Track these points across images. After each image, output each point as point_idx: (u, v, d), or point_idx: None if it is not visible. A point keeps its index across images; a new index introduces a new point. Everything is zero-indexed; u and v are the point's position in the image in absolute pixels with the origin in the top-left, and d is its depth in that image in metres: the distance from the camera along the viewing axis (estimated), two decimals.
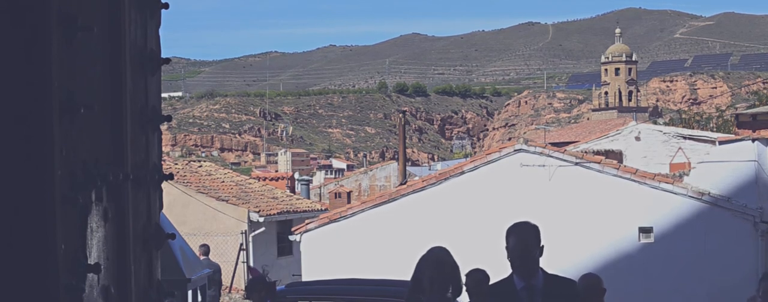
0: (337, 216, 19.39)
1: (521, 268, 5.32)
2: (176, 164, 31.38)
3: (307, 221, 20.60)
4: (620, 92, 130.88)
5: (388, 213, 18.29)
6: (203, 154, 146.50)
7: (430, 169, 47.47)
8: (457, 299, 5.51)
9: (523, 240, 5.33)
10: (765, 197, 16.77)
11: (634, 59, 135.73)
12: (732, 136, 19.63)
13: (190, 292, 10.45)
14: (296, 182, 39.48)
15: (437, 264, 5.32)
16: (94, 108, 1.96)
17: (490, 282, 5.95)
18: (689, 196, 16.55)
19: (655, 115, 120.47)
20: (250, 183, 31.71)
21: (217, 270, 16.44)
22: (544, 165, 17.02)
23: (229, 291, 23.20)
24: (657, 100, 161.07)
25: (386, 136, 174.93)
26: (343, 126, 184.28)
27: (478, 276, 7.20)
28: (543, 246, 5.38)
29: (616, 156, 23.28)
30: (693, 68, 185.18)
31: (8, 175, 1.77)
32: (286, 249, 27.34)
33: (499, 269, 5.96)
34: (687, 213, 16.72)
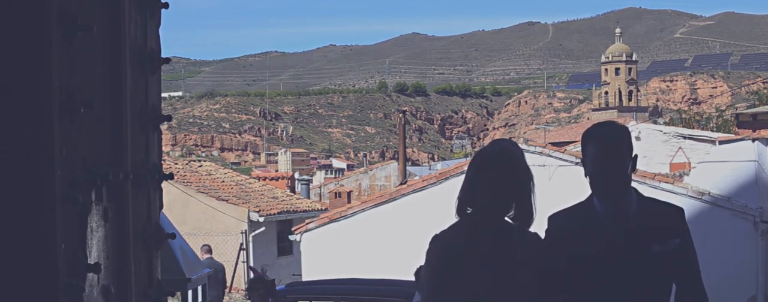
0: (337, 216, 19.39)
1: (606, 189, 3.62)
2: (176, 164, 31.37)
3: (307, 221, 20.61)
4: (620, 92, 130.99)
5: (388, 213, 18.29)
6: (203, 154, 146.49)
7: (430, 169, 47.47)
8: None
9: (609, 147, 3.61)
10: (765, 197, 16.76)
11: (634, 59, 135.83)
12: (732, 136, 19.63)
13: (190, 292, 10.45)
14: (296, 182, 39.48)
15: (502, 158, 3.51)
16: (94, 107, 1.96)
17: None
18: (689, 196, 16.55)
19: (655, 114, 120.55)
20: (250, 183, 31.70)
21: (221, 270, 16.45)
22: (544, 165, 17.02)
23: (229, 291, 23.19)
24: (657, 100, 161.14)
25: (386, 135, 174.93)
26: (343, 126, 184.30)
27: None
28: (636, 156, 3.71)
29: None
30: (693, 68, 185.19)
31: (8, 175, 1.77)
32: (286, 248, 27.33)
33: None
34: (687, 213, 16.67)
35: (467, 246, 3.42)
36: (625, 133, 3.71)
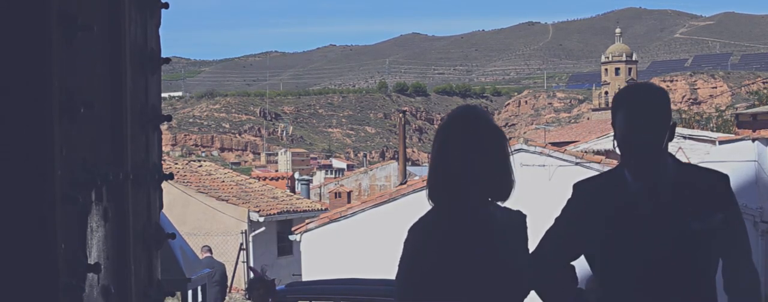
0: (337, 216, 19.40)
1: (638, 162, 3.11)
2: (176, 164, 31.38)
3: (307, 221, 20.62)
4: None
5: (388, 213, 18.29)
6: (203, 154, 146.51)
7: None
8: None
9: (642, 112, 3.06)
10: (765, 197, 16.76)
11: (634, 59, 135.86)
12: (732, 136, 19.63)
13: (190, 292, 10.44)
14: (296, 182, 39.47)
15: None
16: (94, 107, 1.96)
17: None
18: None
19: None
20: (250, 183, 31.70)
21: (220, 270, 16.43)
22: (544, 165, 17.03)
23: (229, 291, 23.19)
24: None
25: (386, 135, 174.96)
26: (343, 126, 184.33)
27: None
28: (675, 124, 3.16)
29: (616, 156, 23.27)
30: (693, 68, 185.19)
31: (8, 175, 1.77)
32: (286, 248, 27.34)
33: None
34: None
35: (446, 230, 3.05)
36: (662, 96, 3.15)
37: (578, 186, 3.27)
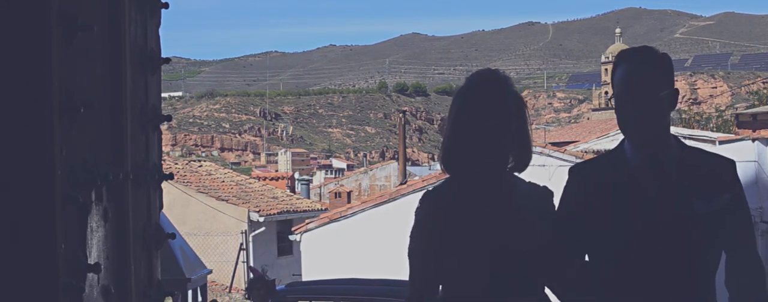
0: (337, 216, 19.40)
1: (638, 123, 2.89)
2: (176, 164, 31.39)
3: (307, 221, 20.62)
4: None
5: (388, 213, 18.29)
6: (203, 154, 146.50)
7: (430, 169, 47.47)
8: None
9: (644, 70, 2.90)
10: (765, 197, 16.76)
11: None
12: (732, 136, 19.64)
13: (190, 292, 10.46)
14: (296, 182, 39.47)
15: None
16: (94, 107, 1.96)
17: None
18: None
19: None
20: (250, 183, 31.71)
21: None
22: (544, 165, 17.02)
23: (229, 291, 23.20)
24: None
25: (386, 135, 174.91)
26: (343, 126, 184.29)
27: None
28: (677, 91, 2.98)
29: None
30: (693, 68, 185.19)
31: (8, 175, 1.77)
32: (286, 248, 27.34)
33: None
34: None
35: (464, 199, 2.83)
36: (665, 59, 2.98)
37: (574, 170, 3.10)
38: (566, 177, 3.16)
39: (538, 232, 2.86)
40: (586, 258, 3.06)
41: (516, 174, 2.98)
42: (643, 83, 2.88)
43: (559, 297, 3.06)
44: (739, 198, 2.99)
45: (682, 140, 3.03)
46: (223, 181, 29.88)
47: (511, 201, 2.88)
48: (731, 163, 3.02)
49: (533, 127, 3.01)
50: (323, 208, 29.59)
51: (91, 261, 2.00)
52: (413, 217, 2.97)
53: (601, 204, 2.92)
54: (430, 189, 2.97)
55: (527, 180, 3.02)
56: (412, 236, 2.93)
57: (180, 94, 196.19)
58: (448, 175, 2.99)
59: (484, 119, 2.83)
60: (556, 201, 3.04)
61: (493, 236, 2.80)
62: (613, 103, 2.98)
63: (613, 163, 2.99)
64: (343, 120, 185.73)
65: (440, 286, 2.92)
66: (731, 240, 2.99)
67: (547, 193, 3.00)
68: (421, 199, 2.94)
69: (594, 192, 2.95)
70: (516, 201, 2.89)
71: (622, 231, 2.89)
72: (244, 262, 23.74)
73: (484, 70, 3.02)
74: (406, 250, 2.92)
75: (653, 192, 2.89)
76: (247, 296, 8.76)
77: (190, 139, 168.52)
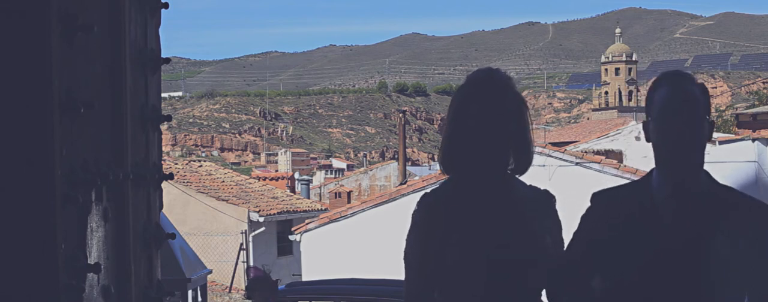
0: (337, 216, 19.40)
1: (675, 154, 2.72)
2: (176, 164, 31.39)
3: (307, 221, 20.62)
4: (620, 92, 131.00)
5: (388, 213, 18.29)
6: (203, 154, 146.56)
7: (430, 169, 47.47)
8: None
9: (686, 93, 2.73)
10: (765, 197, 16.75)
11: (634, 59, 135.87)
12: (732, 136, 19.64)
13: (190, 292, 10.45)
14: (296, 182, 39.48)
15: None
16: (94, 107, 1.96)
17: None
18: None
19: None
20: (250, 183, 31.71)
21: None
22: (544, 165, 17.02)
23: (229, 291, 23.19)
24: None
25: (386, 135, 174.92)
26: (343, 126, 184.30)
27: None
28: (713, 122, 2.83)
29: (616, 156, 23.29)
30: (693, 68, 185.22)
31: (8, 175, 1.77)
32: (286, 249, 27.35)
33: None
34: None
35: (463, 202, 2.76)
36: (704, 87, 2.80)
37: (596, 197, 2.92)
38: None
39: (538, 238, 2.79)
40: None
41: (517, 176, 2.90)
42: (689, 104, 2.71)
43: None
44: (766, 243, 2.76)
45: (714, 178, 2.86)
46: (223, 181, 29.89)
47: (511, 205, 2.80)
48: (764, 206, 2.81)
49: (533, 127, 2.95)
50: (323, 208, 29.59)
51: (91, 261, 2.00)
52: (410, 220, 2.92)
53: (619, 235, 2.77)
54: (429, 191, 2.90)
55: (528, 181, 2.95)
56: (408, 239, 2.87)
57: (180, 94, 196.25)
58: (447, 176, 2.94)
59: (483, 120, 2.76)
60: (558, 206, 2.97)
61: (492, 241, 2.73)
62: (646, 132, 2.81)
63: (638, 193, 2.82)
64: (343, 120, 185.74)
65: (436, 292, 2.84)
66: (757, 285, 2.75)
67: (548, 198, 2.92)
68: (418, 202, 2.87)
69: (614, 221, 2.80)
70: (516, 206, 2.81)
71: (638, 263, 2.73)
72: (244, 262, 23.74)
73: (485, 69, 2.92)
74: (402, 254, 2.87)
75: (674, 227, 2.71)
76: (246, 296, 8.71)
77: (190, 139, 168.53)
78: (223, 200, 26.87)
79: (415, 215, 2.85)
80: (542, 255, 2.78)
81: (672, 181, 2.74)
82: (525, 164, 2.87)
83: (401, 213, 17.71)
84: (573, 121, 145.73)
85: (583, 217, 2.90)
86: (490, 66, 3.08)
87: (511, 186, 2.86)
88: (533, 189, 2.91)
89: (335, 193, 39.51)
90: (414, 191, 18.19)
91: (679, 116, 2.69)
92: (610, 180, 16.76)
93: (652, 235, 2.71)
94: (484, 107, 2.77)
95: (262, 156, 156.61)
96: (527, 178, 2.96)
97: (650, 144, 2.80)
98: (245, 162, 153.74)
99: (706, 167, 2.83)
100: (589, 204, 2.92)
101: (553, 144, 25.49)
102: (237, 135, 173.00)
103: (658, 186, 2.77)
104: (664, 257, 2.69)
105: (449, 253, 2.74)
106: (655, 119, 2.74)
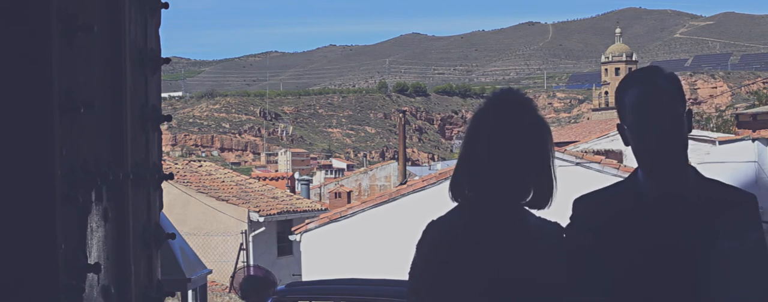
0: (337, 216, 19.40)
1: (659, 154, 2.62)
2: (176, 164, 31.40)
3: (307, 221, 20.62)
4: None
5: (388, 213, 18.30)
6: (203, 154, 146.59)
7: (430, 169, 47.48)
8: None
9: (657, 90, 2.63)
10: (765, 197, 16.75)
11: (634, 59, 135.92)
12: (732, 136, 19.65)
13: (190, 292, 10.44)
14: (296, 182, 39.49)
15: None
16: (94, 107, 1.96)
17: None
18: None
19: None
20: (250, 183, 31.71)
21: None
22: None
23: (229, 291, 23.20)
24: None
25: (386, 135, 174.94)
26: (343, 126, 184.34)
27: None
28: (690, 111, 2.72)
29: (616, 156, 23.29)
30: (693, 68, 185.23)
31: (8, 175, 1.77)
32: (286, 249, 27.35)
33: None
34: None
35: (471, 234, 2.57)
36: (674, 77, 2.69)
37: (579, 203, 2.78)
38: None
39: (550, 273, 2.59)
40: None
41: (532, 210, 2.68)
42: (662, 101, 2.59)
43: None
44: (762, 238, 2.69)
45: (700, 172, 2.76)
46: (223, 181, 29.89)
47: (523, 237, 2.60)
48: (753, 198, 2.75)
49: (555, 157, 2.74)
50: (323, 208, 29.59)
51: (91, 261, 2.00)
52: (411, 217, 2.82)
53: (609, 241, 2.64)
54: (435, 220, 2.66)
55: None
56: (414, 273, 2.64)
57: (180, 94, 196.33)
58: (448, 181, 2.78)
59: (500, 146, 2.55)
60: (559, 206, 2.85)
61: (502, 275, 2.55)
62: (625, 134, 2.68)
63: (624, 195, 2.69)
64: (343, 120, 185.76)
65: None
66: (753, 281, 2.67)
67: (559, 230, 2.71)
68: (425, 230, 2.64)
69: (601, 227, 2.66)
70: (528, 238, 2.61)
71: (634, 268, 2.62)
72: (243, 262, 23.74)
73: (507, 90, 2.69)
74: (406, 250, 2.83)
75: (670, 228, 2.60)
76: (242, 296, 8.65)
77: (190, 139, 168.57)
78: (223, 200, 26.87)
79: (422, 245, 2.64)
80: (552, 288, 2.61)
81: (658, 188, 2.64)
82: (544, 199, 2.64)
83: (401, 214, 17.75)
84: (573, 121, 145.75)
85: (569, 226, 2.76)
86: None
87: (522, 218, 2.66)
88: (544, 221, 2.71)
89: (335, 193, 39.51)
90: (414, 191, 18.20)
91: (655, 120, 2.58)
92: (610, 180, 16.72)
93: (643, 237, 2.61)
94: (498, 129, 2.57)
95: (262, 156, 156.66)
96: None
97: (630, 147, 2.70)
98: (245, 162, 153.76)
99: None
100: (571, 211, 2.78)
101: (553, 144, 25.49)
102: (237, 135, 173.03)
103: (646, 188, 2.66)
104: (657, 259, 2.60)
105: (457, 286, 2.56)
106: (631, 125, 2.63)
